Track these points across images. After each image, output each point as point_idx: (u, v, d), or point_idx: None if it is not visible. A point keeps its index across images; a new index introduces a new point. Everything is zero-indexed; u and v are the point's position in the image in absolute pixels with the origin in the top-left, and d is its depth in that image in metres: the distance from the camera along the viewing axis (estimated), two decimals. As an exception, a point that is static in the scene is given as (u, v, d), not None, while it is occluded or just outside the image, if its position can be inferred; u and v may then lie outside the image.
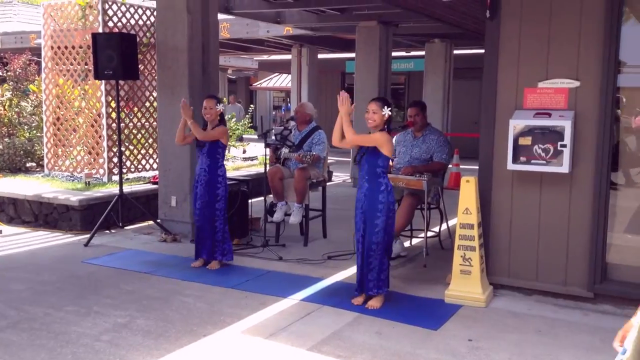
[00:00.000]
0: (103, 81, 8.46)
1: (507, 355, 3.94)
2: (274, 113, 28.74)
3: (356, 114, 7.93)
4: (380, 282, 4.78)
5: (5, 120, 10.73)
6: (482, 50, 5.21)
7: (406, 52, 17.28)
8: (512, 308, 4.80)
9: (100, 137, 8.82)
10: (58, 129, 9.30)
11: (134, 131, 9.21)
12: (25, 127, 10.82)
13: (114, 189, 7.85)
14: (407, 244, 6.74)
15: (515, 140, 4.77)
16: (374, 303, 4.78)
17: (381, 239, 4.70)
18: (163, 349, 4.00)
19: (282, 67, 21.14)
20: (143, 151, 9.37)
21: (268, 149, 6.88)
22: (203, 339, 4.19)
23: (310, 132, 6.98)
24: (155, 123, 9.01)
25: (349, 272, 5.64)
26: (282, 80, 24.69)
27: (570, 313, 4.71)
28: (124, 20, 8.86)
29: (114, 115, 8.41)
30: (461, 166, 11.40)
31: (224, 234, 5.88)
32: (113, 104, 8.52)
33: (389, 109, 4.74)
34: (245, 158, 12.68)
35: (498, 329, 4.38)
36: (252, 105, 23.63)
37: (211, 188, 5.78)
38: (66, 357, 3.88)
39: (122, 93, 8.66)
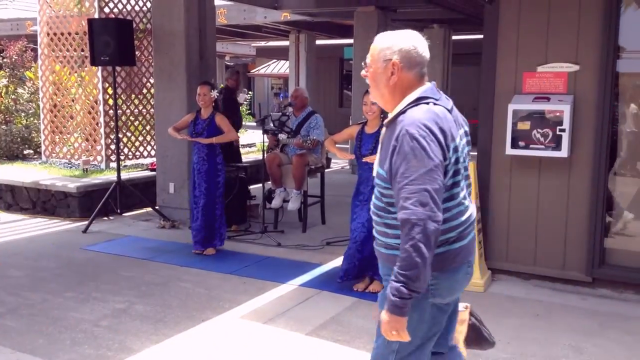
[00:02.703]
0: (100, 68, 8.42)
1: (505, 340, 3.95)
2: (273, 103, 28.64)
3: (354, 103, 7.91)
4: None
5: (2, 107, 10.69)
6: (481, 36, 5.18)
7: (404, 38, 17.18)
8: (510, 293, 4.81)
9: (97, 123, 8.79)
10: (55, 116, 9.26)
11: (132, 118, 9.17)
12: (22, 114, 10.79)
13: (111, 176, 7.83)
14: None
15: (514, 125, 4.75)
16: (377, 287, 4.80)
17: None
18: (162, 334, 4.01)
19: (279, 54, 21.04)
20: (141, 138, 9.34)
21: (266, 136, 6.86)
22: (202, 324, 4.20)
23: (306, 117, 6.95)
24: (152, 110, 8.97)
25: (348, 258, 5.64)
26: (280, 67, 24.59)
27: (568, 297, 4.72)
28: (120, 5, 8.80)
29: (111, 102, 8.37)
30: (460, 152, 11.38)
31: (222, 220, 5.90)
32: (110, 91, 8.48)
33: None
34: (244, 145, 12.66)
35: (496, 314, 4.39)
36: (250, 92, 23.53)
37: (211, 176, 5.77)
38: (65, 342, 3.89)
39: (119, 79, 8.62)
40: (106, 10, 8.62)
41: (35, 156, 10.01)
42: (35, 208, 7.87)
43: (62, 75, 9.15)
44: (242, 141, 13.12)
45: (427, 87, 2.29)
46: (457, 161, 2.21)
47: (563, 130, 4.60)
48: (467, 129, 2.37)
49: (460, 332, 2.73)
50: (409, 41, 2.29)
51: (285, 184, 6.84)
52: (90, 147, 8.94)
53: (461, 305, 2.71)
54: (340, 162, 12.54)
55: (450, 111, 2.27)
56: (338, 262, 5.63)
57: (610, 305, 4.56)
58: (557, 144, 4.63)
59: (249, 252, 5.98)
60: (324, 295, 4.77)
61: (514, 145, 4.79)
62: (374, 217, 2.32)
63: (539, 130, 4.68)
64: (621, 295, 4.71)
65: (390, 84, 2.27)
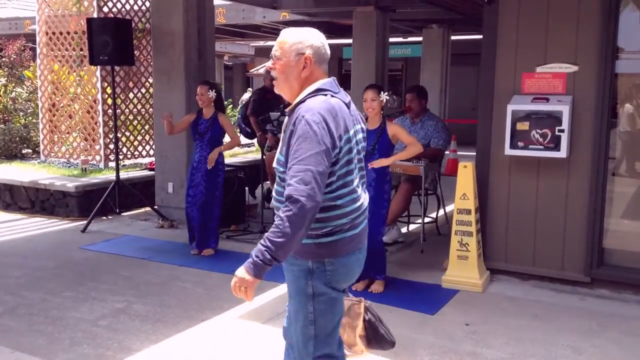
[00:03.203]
0: (98, 67, 8.41)
1: (504, 340, 3.96)
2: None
3: (353, 96, 7.91)
4: (385, 267, 4.86)
5: (1, 106, 10.68)
6: (480, 36, 5.18)
7: (403, 38, 17.19)
8: (509, 293, 4.82)
9: (96, 123, 8.78)
10: (54, 115, 9.25)
11: (130, 117, 9.17)
12: (21, 113, 10.78)
13: (110, 176, 7.83)
14: (404, 229, 6.74)
15: (513, 126, 4.76)
16: (379, 287, 4.81)
17: (383, 227, 4.79)
18: (161, 334, 4.01)
19: (279, 54, 20.99)
20: (139, 137, 9.33)
21: (267, 134, 6.86)
22: (201, 323, 4.19)
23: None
24: (151, 109, 8.96)
25: (347, 258, 5.64)
26: (279, 67, 24.54)
27: (567, 298, 4.73)
28: (119, 5, 8.80)
29: (109, 101, 8.36)
30: (459, 152, 11.40)
31: (218, 222, 5.90)
32: (109, 90, 8.48)
33: (386, 93, 4.73)
34: (243, 145, 12.65)
35: (495, 314, 4.40)
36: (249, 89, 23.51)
37: (212, 176, 5.76)
38: (64, 342, 3.89)
39: (117, 79, 8.62)
40: (105, 9, 8.62)
41: (33, 155, 10.00)
42: (33, 207, 7.86)
43: (60, 75, 9.14)
44: (241, 141, 13.14)
45: (327, 81, 2.43)
46: (350, 151, 2.36)
47: (562, 131, 4.60)
48: (363, 126, 2.54)
49: (354, 326, 2.77)
50: (319, 38, 2.44)
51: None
52: (89, 146, 8.93)
53: (355, 299, 2.78)
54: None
55: (347, 105, 2.42)
56: (337, 262, 5.63)
57: (609, 305, 4.56)
58: (556, 144, 4.63)
59: (247, 252, 5.91)
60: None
61: (513, 145, 4.79)
62: (276, 203, 2.45)
63: (538, 130, 4.68)
64: (620, 295, 4.72)
65: (302, 77, 2.40)
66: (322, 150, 2.22)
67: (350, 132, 2.36)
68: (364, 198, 2.50)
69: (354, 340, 2.78)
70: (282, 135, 2.42)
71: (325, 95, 2.36)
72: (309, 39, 2.41)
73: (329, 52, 2.47)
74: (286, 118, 2.44)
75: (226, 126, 5.77)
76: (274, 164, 2.47)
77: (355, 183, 2.42)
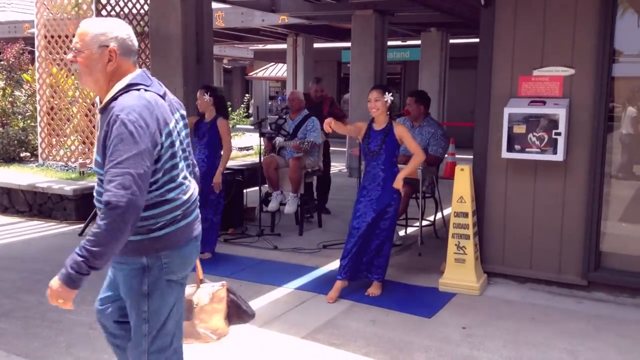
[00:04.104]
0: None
1: (501, 343, 3.96)
2: (269, 103, 28.68)
3: (352, 103, 7.91)
4: (385, 269, 4.86)
5: (-1, 109, 10.68)
6: (478, 40, 5.19)
7: (402, 42, 17.22)
8: (506, 296, 4.82)
9: (94, 126, 8.78)
10: (52, 119, 9.26)
11: (129, 121, 9.16)
12: (19, 116, 10.77)
13: (108, 179, 7.82)
14: (402, 232, 6.75)
15: (510, 129, 4.76)
16: (376, 290, 4.81)
17: (390, 226, 4.79)
18: (157, 338, 4.00)
19: (277, 57, 21.05)
20: (138, 141, 9.32)
21: (263, 139, 6.87)
22: (197, 327, 4.18)
23: (303, 120, 6.96)
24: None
25: (344, 261, 5.64)
26: (278, 70, 24.60)
27: (564, 301, 4.73)
28: (117, 8, 8.80)
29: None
30: (456, 155, 11.40)
31: (213, 225, 5.86)
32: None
33: (390, 94, 4.74)
34: (241, 148, 12.66)
35: (492, 317, 4.39)
36: (247, 95, 23.55)
37: (209, 179, 5.75)
38: (61, 345, 3.89)
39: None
40: (103, 13, 8.62)
41: (32, 159, 10.00)
42: (31, 211, 7.86)
43: (59, 78, 9.15)
44: (239, 144, 13.15)
45: (137, 74, 2.34)
46: (172, 144, 2.31)
47: (559, 134, 4.61)
48: (183, 112, 2.48)
49: (218, 310, 2.80)
50: (124, 30, 2.36)
51: (282, 187, 6.84)
52: (87, 149, 8.93)
53: (217, 284, 2.81)
54: (337, 165, 12.53)
55: (163, 97, 2.34)
56: (334, 265, 5.63)
57: (606, 308, 4.56)
58: (552, 147, 4.64)
59: (245, 255, 5.97)
60: (320, 298, 4.77)
61: (510, 148, 4.79)
62: (97, 204, 2.37)
63: (535, 133, 4.69)
64: (617, 298, 4.72)
65: (108, 71, 2.30)
66: (142, 150, 2.13)
67: (170, 125, 2.29)
68: (194, 187, 2.50)
69: (220, 324, 2.81)
70: (97, 134, 2.43)
71: (139, 90, 2.26)
72: (113, 31, 2.31)
73: (136, 43, 2.39)
74: (99, 115, 2.36)
75: (222, 131, 5.78)
76: (94, 166, 2.41)
77: (182, 175, 2.39)
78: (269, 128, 7.04)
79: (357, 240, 4.76)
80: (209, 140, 5.75)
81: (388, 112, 4.79)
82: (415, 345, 3.91)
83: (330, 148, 7.73)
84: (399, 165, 6.04)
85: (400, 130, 4.75)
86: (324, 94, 7.86)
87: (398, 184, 4.75)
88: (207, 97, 5.77)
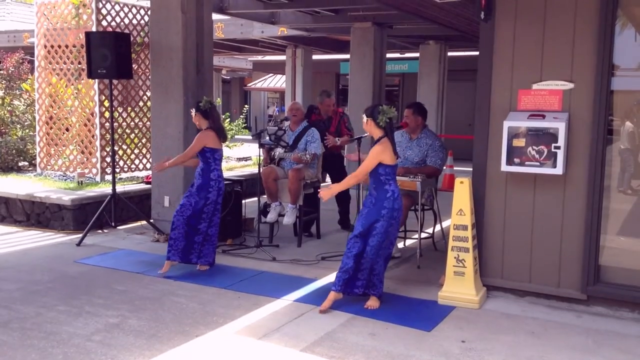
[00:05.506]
0: (96, 80, 8.43)
1: (500, 357, 3.94)
2: (268, 107, 28.74)
3: (350, 117, 7.95)
4: (379, 285, 4.84)
5: (-2, 119, 10.67)
6: (477, 52, 5.21)
7: (400, 54, 17.30)
8: (505, 310, 4.80)
9: (93, 136, 8.78)
10: (51, 128, 9.25)
11: (127, 131, 9.17)
12: (18, 126, 10.76)
13: (106, 189, 7.81)
14: (400, 245, 6.73)
15: (509, 142, 4.77)
16: (374, 303, 4.79)
17: (378, 243, 4.72)
18: (155, 349, 3.98)
19: (276, 68, 21.12)
20: (136, 151, 9.33)
21: (262, 150, 6.86)
22: (195, 339, 4.17)
23: (303, 131, 6.96)
24: (148, 123, 8.96)
25: (343, 273, 5.62)
26: (277, 81, 24.67)
27: (564, 315, 4.71)
28: (117, 19, 8.83)
29: (107, 114, 8.36)
30: (455, 168, 11.41)
31: (207, 238, 5.80)
32: (106, 103, 8.48)
33: (370, 117, 4.84)
34: (239, 158, 12.66)
35: (491, 331, 4.38)
36: (246, 106, 23.59)
37: (201, 192, 5.73)
38: (57, 357, 3.86)
39: (115, 92, 8.63)
40: (104, 23, 8.65)
41: (30, 168, 9.98)
42: (29, 220, 7.83)
43: (58, 88, 9.15)
44: (238, 155, 13.14)
45: None
46: None
47: (558, 148, 4.62)
48: None
49: None
50: None
51: (280, 198, 6.84)
52: (85, 159, 8.92)
53: None
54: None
55: None
56: (333, 277, 5.60)
57: (605, 323, 4.55)
58: (552, 161, 4.65)
59: (243, 267, 5.95)
60: (319, 310, 4.74)
61: (509, 161, 4.80)
62: None
63: (534, 147, 4.70)
64: (616, 313, 4.71)
65: None
66: None
67: None
68: None
69: None
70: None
71: None
72: None
73: None
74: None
75: (195, 139, 5.80)
76: None
77: None
78: (267, 139, 7.04)
79: (354, 255, 4.76)
80: (200, 154, 5.76)
81: (385, 130, 4.82)
82: (414, 359, 3.89)
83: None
84: (398, 178, 6.07)
85: (372, 150, 4.79)
86: (335, 108, 7.79)
87: (324, 193, 4.85)
88: (193, 112, 5.85)
